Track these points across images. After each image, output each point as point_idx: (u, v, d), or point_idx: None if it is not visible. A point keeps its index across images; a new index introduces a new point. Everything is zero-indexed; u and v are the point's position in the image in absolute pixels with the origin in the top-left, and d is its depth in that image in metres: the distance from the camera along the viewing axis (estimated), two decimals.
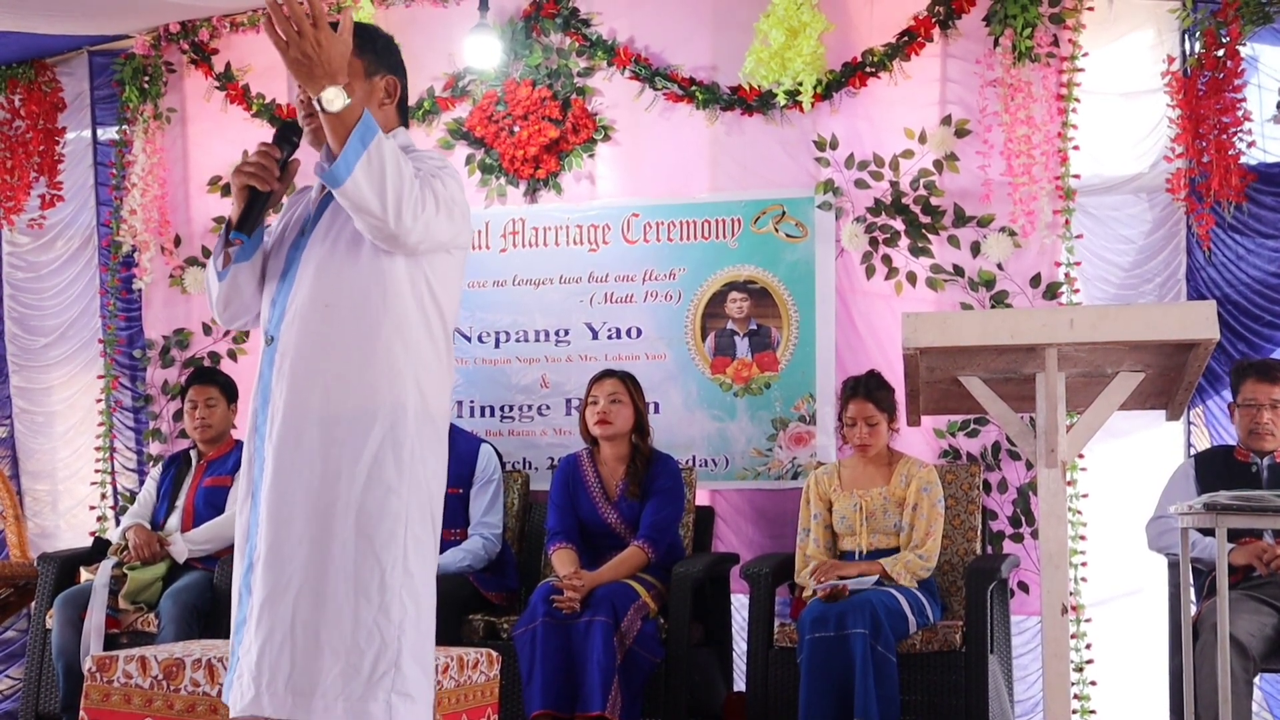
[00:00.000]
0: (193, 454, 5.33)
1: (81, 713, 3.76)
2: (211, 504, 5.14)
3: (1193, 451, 4.78)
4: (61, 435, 6.26)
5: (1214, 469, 4.40)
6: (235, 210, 2.64)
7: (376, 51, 2.71)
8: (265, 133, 5.87)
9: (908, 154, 5.15)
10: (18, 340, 6.30)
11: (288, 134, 2.65)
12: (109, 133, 6.21)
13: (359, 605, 2.50)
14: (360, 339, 2.56)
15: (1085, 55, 4.98)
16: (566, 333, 5.50)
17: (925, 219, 5.12)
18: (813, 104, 5.16)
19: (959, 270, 5.08)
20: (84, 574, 5.18)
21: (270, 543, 2.55)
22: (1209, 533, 4.14)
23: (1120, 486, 4.87)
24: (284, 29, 2.39)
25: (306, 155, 2.62)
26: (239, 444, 5.31)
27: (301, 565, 2.52)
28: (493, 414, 5.56)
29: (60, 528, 6.21)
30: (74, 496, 6.21)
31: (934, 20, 5.13)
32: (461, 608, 4.73)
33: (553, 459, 5.40)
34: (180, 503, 5.19)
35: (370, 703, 2.48)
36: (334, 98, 2.40)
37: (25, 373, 6.30)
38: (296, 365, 2.58)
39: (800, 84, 5.13)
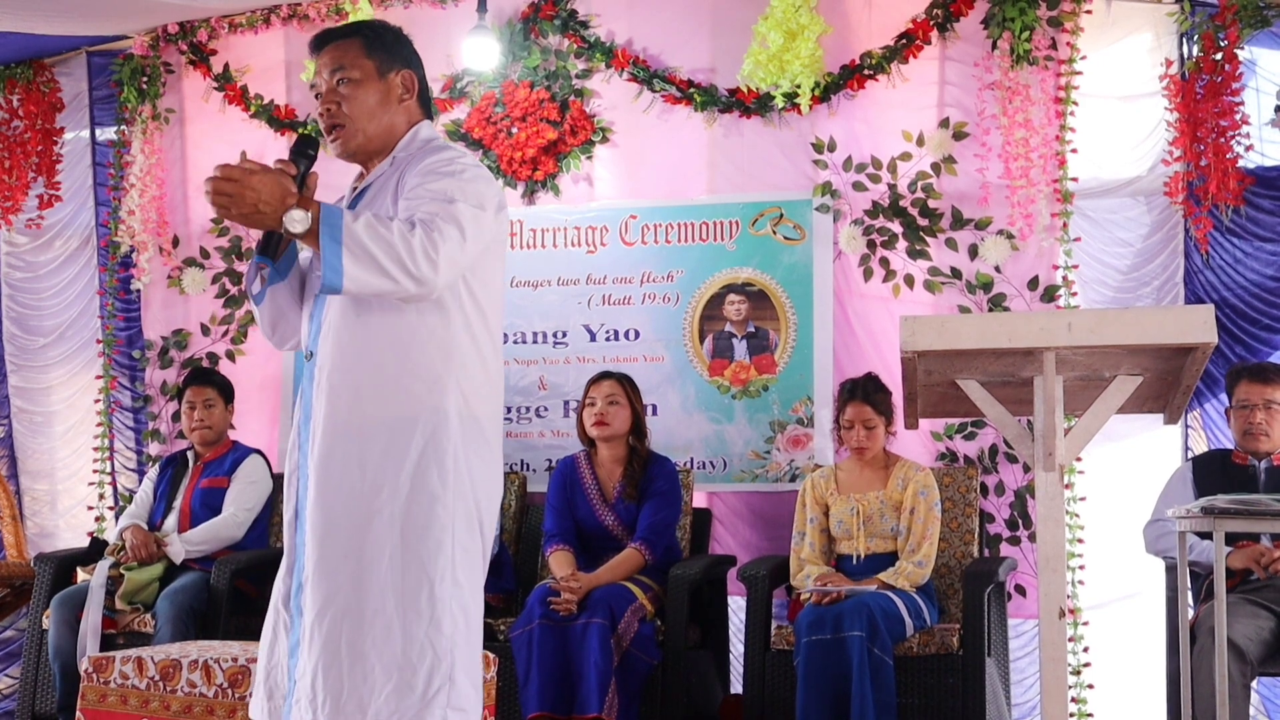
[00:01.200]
0: (190, 455, 5.33)
1: (78, 713, 3.75)
2: (208, 505, 5.14)
3: (1190, 455, 4.78)
4: (60, 435, 6.25)
5: (1212, 473, 4.40)
6: (261, 232, 2.57)
7: (386, 48, 2.67)
8: (264, 133, 5.87)
9: (906, 156, 5.16)
10: (16, 340, 6.29)
11: (304, 148, 2.56)
12: (107, 133, 6.21)
13: (408, 620, 2.44)
14: (396, 347, 2.51)
15: (1083, 58, 4.98)
16: (564, 334, 5.50)
17: (923, 221, 5.12)
18: (811, 106, 5.16)
19: (957, 273, 5.08)
20: (81, 574, 5.18)
21: (316, 561, 2.49)
22: (1207, 536, 4.14)
23: (1118, 490, 4.86)
24: (219, 198, 2.36)
25: (330, 168, 2.57)
26: (236, 445, 5.32)
27: (346, 581, 2.46)
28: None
29: (59, 527, 6.20)
30: (73, 496, 6.20)
31: (932, 23, 5.13)
32: None
33: (550, 460, 5.40)
34: (177, 503, 5.19)
35: (427, 719, 2.42)
36: (296, 222, 2.36)
37: (24, 372, 6.29)
38: (334, 378, 2.53)
39: (798, 86, 5.13)
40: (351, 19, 5.62)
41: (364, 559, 2.46)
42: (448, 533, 2.49)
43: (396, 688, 2.42)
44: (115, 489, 6.02)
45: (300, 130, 5.67)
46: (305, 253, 2.72)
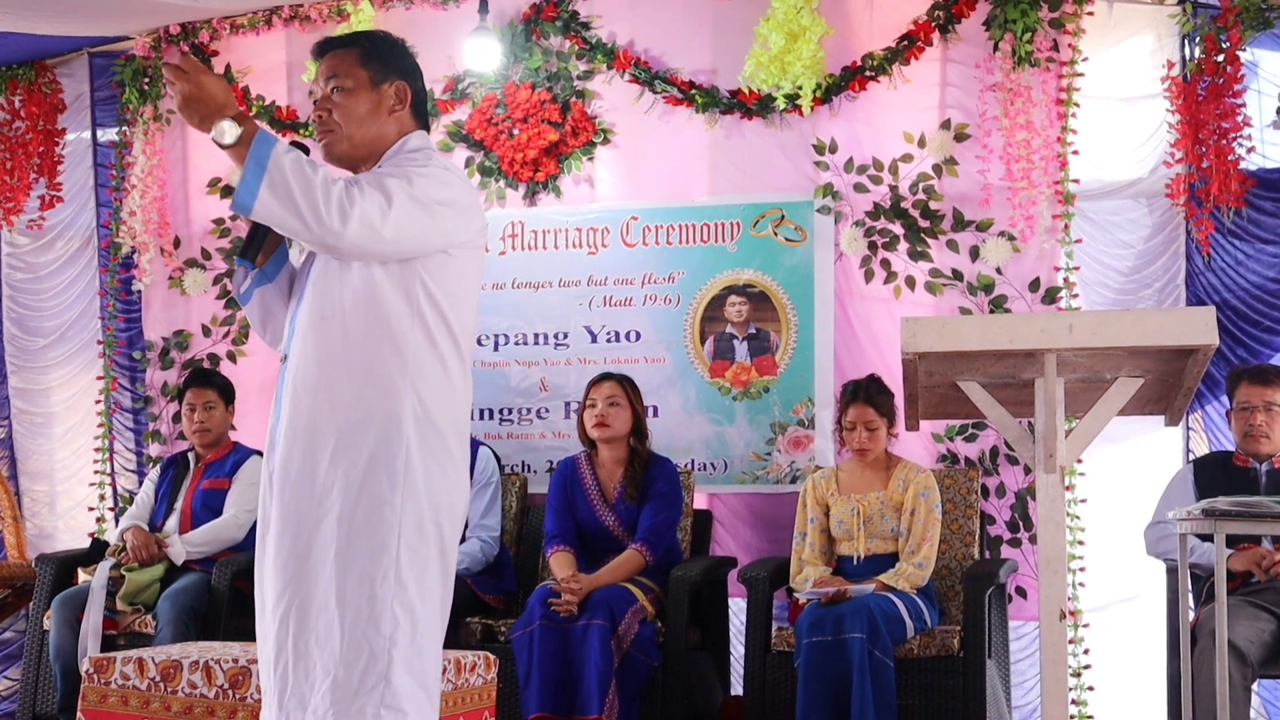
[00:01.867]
0: (191, 456, 5.33)
1: (79, 714, 3.75)
2: (209, 506, 5.14)
3: (1191, 457, 4.78)
4: (60, 436, 6.25)
5: (1213, 475, 4.40)
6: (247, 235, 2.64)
7: (382, 59, 2.70)
8: None
9: (907, 158, 5.15)
10: (16, 341, 6.30)
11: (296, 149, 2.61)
12: (109, 134, 6.21)
13: (346, 619, 2.49)
14: (351, 351, 2.55)
15: (1085, 60, 4.97)
16: (565, 336, 5.50)
17: (924, 223, 5.11)
18: (812, 108, 5.16)
19: (958, 274, 5.07)
20: (82, 575, 5.18)
21: (272, 560, 2.56)
22: (1208, 538, 4.14)
23: (1119, 492, 4.86)
24: (170, 76, 2.45)
25: None
26: (237, 446, 5.32)
27: (293, 580, 2.52)
28: (491, 417, 5.56)
29: (59, 529, 6.20)
30: (72, 498, 6.20)
31: (934, 25, 5.13)
32: (459, 610, 4.69)
33: (551, 462, 5.39)
34: (178, 505, 5.19)
35: (356, 715, 2.46)
36: (225, 130, 2.42)
37: (24, 374, 6.29)
38: (296, 382, 2.58)
39: (800, 88, 5.13)
40: (353, 20, 5.63)
41: (311, 559, 2.52)
42: (393, 534, 2.52)
43: (332, 685, 2.48)
44: (115, 490, 6.02)
45: (301, 131, 5.67)
46: (295, 255, 2.74)
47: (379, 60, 2.69)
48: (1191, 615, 4.10)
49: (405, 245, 2.53)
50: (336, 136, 2.66)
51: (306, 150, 2.59)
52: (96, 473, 6.04)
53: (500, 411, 5.55)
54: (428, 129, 2.77)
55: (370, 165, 2.68)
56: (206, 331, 5.96)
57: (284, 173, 2.39)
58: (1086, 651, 4.82)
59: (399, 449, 2.53)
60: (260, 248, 2.64)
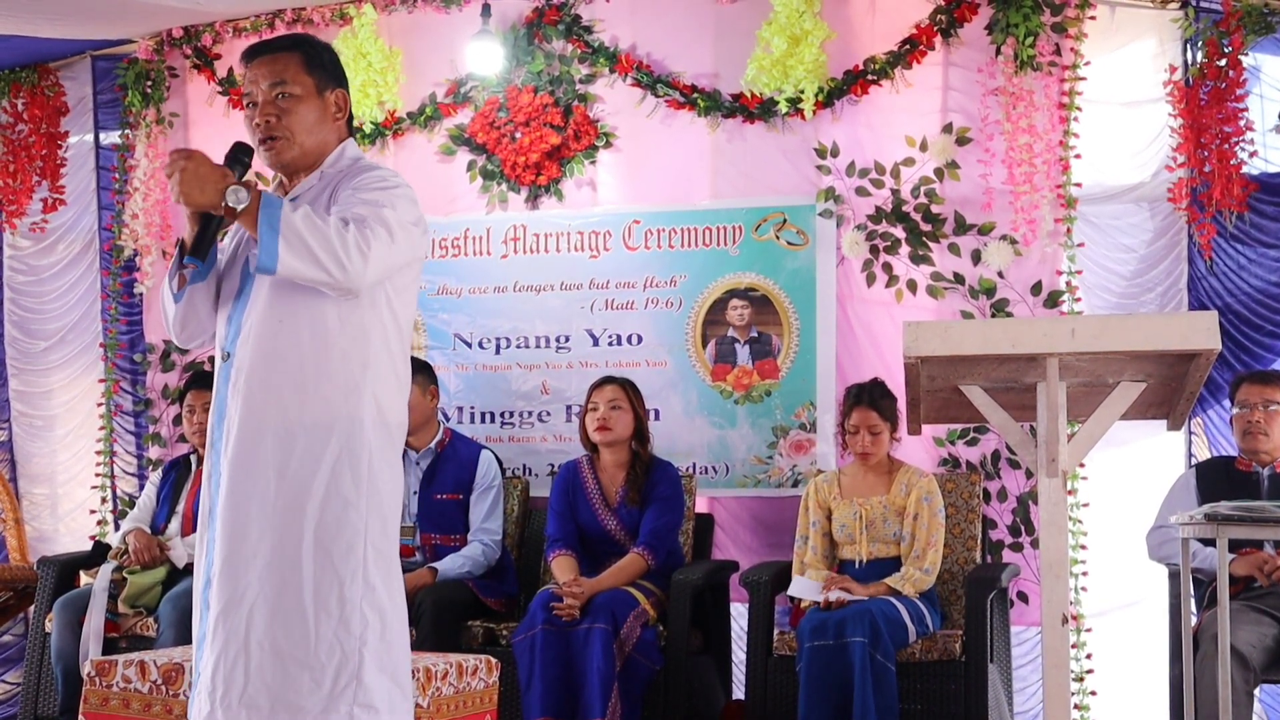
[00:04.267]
0: (193, 459, 5.33)
1: (80, 717, 3.75)
2: None
3: (1193, 461, 4.78)
4: (60, 439, 6.25)
5: (1215, 479, 4.40)
6: (189, 234, 2.61)
7: (323, 66, 2.75)
8: None
9: (909, 162, 5.15)
10: (17, 344, 6.30)
11: (239, 155, 2.66)
12: (111, 137, 6.22)
13: (318, 619, 2.52)
14: (316, 354, 2.58)
15: (1087, 64, 4.97)
16: (567, 339, 5.50)
17: (926, 227, 5.11)
18: (814, 112, 5.16)
19: (960, 278, 5.07)
20: (84, 578, 5.18)
21: (225, 556, 2.57)
22: (1210, 543, 4.14)
23: (1121, 496, 4.86)
24: (171, 168, 2.49)
25: None
26: None
27: (257, 578, 2.54)
28: (493, 420, 5.56)
29: (59, 531, 6.20)
30: (72, 500, 6.20)
31: (936, 29, 5.13)
32: (461, 614, 4.72)
33: (553, 465, 5.39)
34: (180, 508, 5.19)
35: (331, 715, 2.50)
36: (240, 199, 2.47)
37: (24, 376, 6.29)
38: (252, 381, 2.60)
39: (802, 92, 5.13)
40: (355, 24, 5.63)
41: (275, 558, 2.54)
42: (360, 536, 2.57)
43: (305, 684, 2.51)
44: (115, 493, 6.02)
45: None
46: (223, 255, 2.77)
47: (321, 68, 2.75)
48: (1194, 620, 4.09)
49: (396, 270, 2.63)
50: (287, 143, 2.69)
51: (251, 154, 2.65)
52: (98, 475, 6.04)
53: (502, 415, 5.55)
54: (354, 136, 2.85)
55: (309, 172, 2.73)
56: None
57: (297, 230, 2.45)
58: (1089, 656, 4.81)
59: (362, 452, 2.58)
60: (212, 246, 2.65)
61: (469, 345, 5.59)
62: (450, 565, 4.80)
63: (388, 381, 2.65)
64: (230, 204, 2.47)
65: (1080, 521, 4.86)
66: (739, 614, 4.94)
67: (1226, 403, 4.60)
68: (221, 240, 2.74)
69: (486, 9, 5.49)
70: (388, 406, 2.64)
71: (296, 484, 2.55)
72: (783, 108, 5.19)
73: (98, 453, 6.06)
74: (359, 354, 2.60)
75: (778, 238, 5.29)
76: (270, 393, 2.59)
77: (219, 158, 2.62)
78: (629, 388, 4.87)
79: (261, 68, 2.71)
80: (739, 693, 4.87)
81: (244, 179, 2.57)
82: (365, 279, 2.52)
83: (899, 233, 5.14)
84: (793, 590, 4.52)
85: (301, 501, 2.55)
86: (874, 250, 5.17)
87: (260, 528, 2.55)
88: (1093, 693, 4.79)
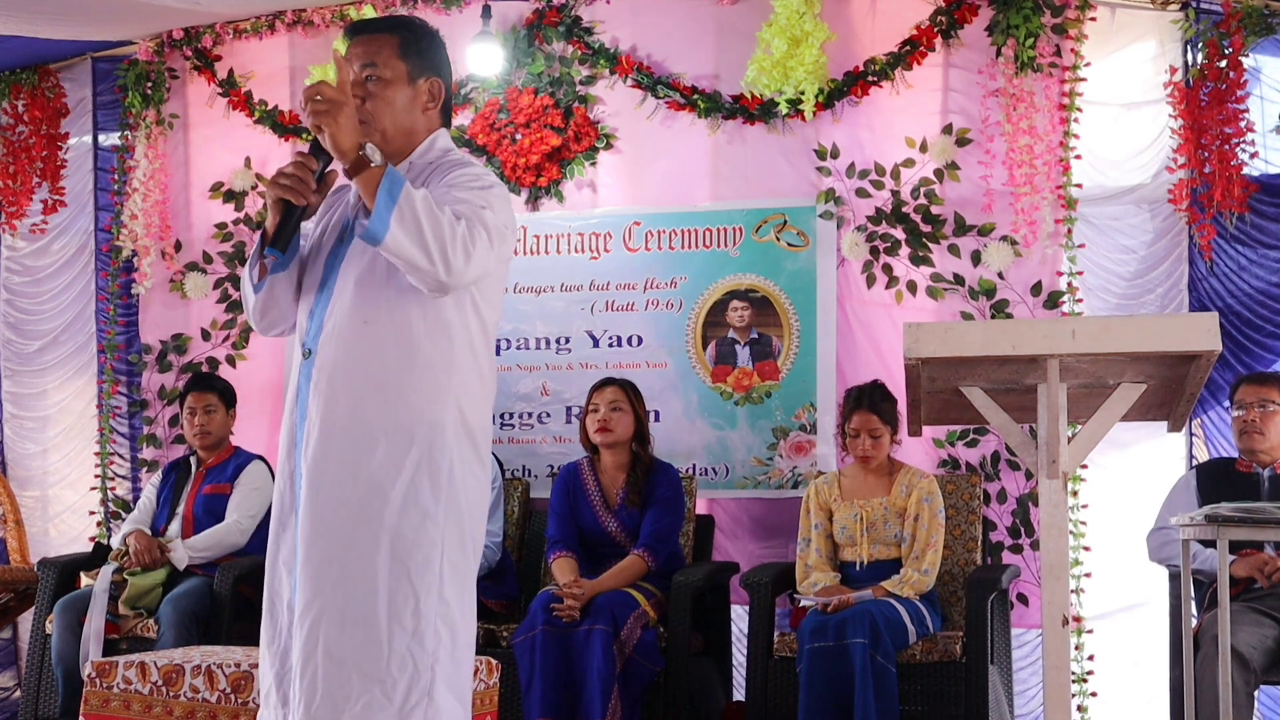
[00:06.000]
0: (192, 461, 5.33)
1: (81, 718, 3.75)
2: (211, 510, 5.14)
3: (1194, 463, 4.78)
4: (53, 440, 6.24)
5: (1215, 481, 4.40)
6: (270, 222, 2.53)
7: (420, 52, 2.64)
8: (268, 139, 5.87)
9: (909, 163, 5.15)
10: (12, 345, 6.29)
11: (323, 145, 2.51)
12: (111, 138, 6.21)
13: (393, 632, 2.43)
14: (400, 357, 2.49)
15: (1087, 65, 4.97)
16: (567, 340, 5.50)
17: (926, 228, 5.11)
18: (814, 113, 5.16)
19: (960, 279, 5.07)
20: (84, 579, 5.18)
21: (303, 563, 2.48)
22: (1210, 544, 4.14)
23: (1121, 498, 4.86)
24: (320, 103, 2.41)
25: None
26: (238, 450, 5.32)
27: (331, 586, 2.45)
28: (493, 421, 5.55)
29: (50, 533, 6.18)
30: (63, 502, 6.18)
31: (936, 30, 5.13)
32: None
33: (553, 467, 5.39)
34: (180, 509, 5.19)
35: None
36: (377, 152, 2.41)
37: (18, 377, 6.27)
38: (334, 381, 2.51)
39: (802, 93, 5.13)
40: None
41: (349, 565, 2.45)
42: (437, 549, 2.49)
43: (375, 698, 2.42)
44: (109, 494, 6.01)
45: (304, 136, 5.67)
46: (306, 242, 2.68)
47: (418, 53, 2.63)
48: (1194, 621, 4.09)
49: (488, 273, 2.54)
50: (368, 128, 2.57)
51: (322, 152, 2.51)
52: (96, 476, 6.04)
53: (502, 416, 5.55)
54: (450, 126, 2.73)
55: (396, 161, 2.61)
56: (206, 335, 5.96)
57: (414, 207, 2.37)
58: (1090, 658, 4.81)
59: (442, 460, 2.50)
60: (294, 237, 2.56)
61: None
62: None
63: (472, 386, 2.55)
64: (367, 154, 2.40)
65: (1081, 523, 4.86)
66: (739, 616, 4.94)
67: (1227, 404, 4.60)
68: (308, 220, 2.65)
69: (487, 10, 5.49)
70: (471, 412, 2.55)
71: (375, 491, 2.46)
72: (783, 109, 5.19)
73: (96, 454, 6.05)
74: (443, 357, 2.51)
75: (778, 239, 5.29)
76: (352, 395, 2.49)
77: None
78: (629, 389, 4.86)
79: (358, 47, 2.61)
80: (739, 694, 4.87)
81: (328, 169, 2.51)
82: (464, 278, 2.43)
83: (899, 234, 5.14)
84: (805, 602, 4.49)
85: (380, 510, 2.46)
86: (874, 251, 5.17)
87: (335, 534, 2.46)
88: (1094, 694, 4.79)
